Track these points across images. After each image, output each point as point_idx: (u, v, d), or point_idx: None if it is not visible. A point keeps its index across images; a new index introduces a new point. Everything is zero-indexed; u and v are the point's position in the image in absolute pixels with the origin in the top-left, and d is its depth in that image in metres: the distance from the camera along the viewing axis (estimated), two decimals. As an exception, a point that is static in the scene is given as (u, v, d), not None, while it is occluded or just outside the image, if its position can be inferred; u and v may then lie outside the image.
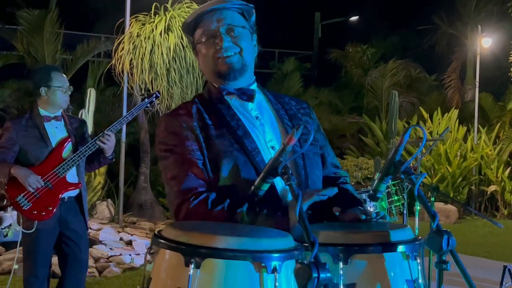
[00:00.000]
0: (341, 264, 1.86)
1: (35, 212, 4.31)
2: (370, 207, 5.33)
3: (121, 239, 8.63)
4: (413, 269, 1.96)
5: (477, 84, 15.33)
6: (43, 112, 4.45)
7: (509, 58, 13.68)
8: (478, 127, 14.69)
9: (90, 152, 4.40)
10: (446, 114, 14.19)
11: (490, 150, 13.96)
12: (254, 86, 2.33)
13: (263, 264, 1.70)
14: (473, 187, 14.03)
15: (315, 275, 1.57)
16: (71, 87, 4.55)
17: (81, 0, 19.89)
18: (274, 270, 1.70)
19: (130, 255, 7.79)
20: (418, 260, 1.97)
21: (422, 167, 13.60)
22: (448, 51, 18.69)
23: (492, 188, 13.62)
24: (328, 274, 1.59)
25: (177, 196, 2.12)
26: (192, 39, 2.33)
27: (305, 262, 1.60)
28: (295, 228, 1.91)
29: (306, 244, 1.79)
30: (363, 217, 2.09)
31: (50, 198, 4.33)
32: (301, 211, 1.69)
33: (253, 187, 1.83)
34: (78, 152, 4.38)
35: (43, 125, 4.41)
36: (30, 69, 12.88)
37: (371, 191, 2.05)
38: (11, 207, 4.46)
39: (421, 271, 1.97)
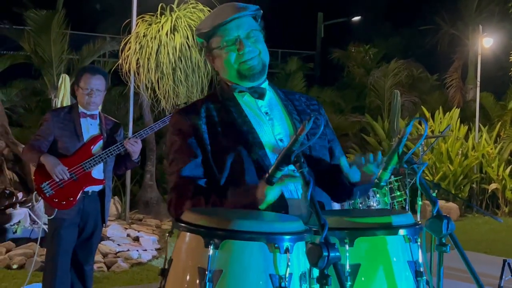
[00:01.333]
0: (347, 247, 2.02)
1: (56, 200, 4.51)
2: (373, 202, 5.48)
3: (128, 235, 8.79)
4: (414, 251, 2.13)
5: (478, 83, 15.46)
6: (80, 108, 4.66)
7: (510, 57, 13.79)
8: (479, 126, 14.81)
9: (118, 152, 4.64)
10: (448, 113, 14.32)
11: (491, 149, 14.08)
12: (265, 84, 2.49)
13: (276, 245, 1.84)
14: (474, 185, 14.15)
15: (325, 254, 1.72)
16: (98, 90, 4.67)
17: (87, 1, 20.04)
18: (287, 250, 1.84)
19: (137, 250, 7.93)
20: (419, 243, 2.14)
21: (424, 166, 13.74)
22: (449, 51, 18.79)
23: (493, 186, 13.75)
24: (337, 253, 1.74)
25: (171, 192, 2.32)
26: (206, 44, 2.47)
27: (316, 243, 1.76)
28: (263, 202, 2.06)
29: (315, 229, 1.97)
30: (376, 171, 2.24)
31: (73, 189, 4.54)
32: (312, 196, 1.84)
33: (267, 175, 1.98)
34: (106, 150, 4.60)
35: (79, 120, 4.63)
36: (37, 69, 13.07)
37: (376, 180, 2.21)
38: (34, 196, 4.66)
39: (422, 253, 2.14)
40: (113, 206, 10.08)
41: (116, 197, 10.43)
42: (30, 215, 7.90)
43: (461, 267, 2.21)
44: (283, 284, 1.83)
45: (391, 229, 2.10)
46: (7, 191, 7.94)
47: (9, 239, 7.65)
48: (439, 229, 2.01)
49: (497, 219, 6.14)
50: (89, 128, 4.66)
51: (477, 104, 15.28)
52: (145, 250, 8.09)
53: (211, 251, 1.83)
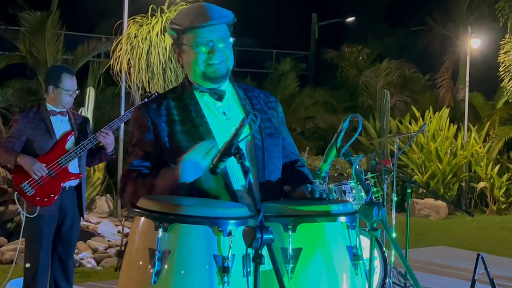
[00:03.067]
0: (290, 232, 2.24)
1: (38, 198, 4.65)
2: (350, 198, 5.66)
3: (119, 232, 8.95)
4: (352, 237, 2.34)
5: (467, 83, 15.64)
6: (49, 107, 4.80)
7: (498, 58, 13.96)
8: (468, 125, 14.98)
9: (91, 146, 4.78)
10: (438, 112, 14.49)
11: (480, 148, 14.23)
12: (226, 84, 2.62)
13: (220, 229, 2.06)
14: (463, 184, 14.32)
15: (259, 235, 1.93)
16: (78, 91, 4.89)
17: (81, 2, 20.19)
18: (229, 233, 2.06)
19: (127, 246, 8.09)
20: (356, 230, 2.35)
21: (413, 164, 13.93)
22: (441, 52, 18.94)
23: (482, 184, 13.91)
24: (270, 236, 1.95)
25: (120, 181, 2.52)
26: (177, 37, 2.56)
27: (252, 226, 1.97)
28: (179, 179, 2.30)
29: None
30: (309, 188, 2.44)
31: (53, 186, 4.69)
32: (250, 183, 2.06)
33: (211, 165, 2.19)
34: (80, 145, 4.75)
35: (49, 118, 4.76)
36: (32, 69, 13.24)
37: (316, 171, 2.42)
38: (16, 195, 4.80)
39: (358, 238, 2.35)
40: (105, 203, 10.25)
41: (108, 195, 10.60)
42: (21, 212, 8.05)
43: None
44: (226, 264, 2.04)
45: (330, 216, 2.31)
46: (0, 188, 8.13)
47: (2, 235, 7.83)
48: (370, 215, 2.21)
49: (470, 215, 6.35)
50: (60, 125, 4.81)
51: (466, 103, 15.43)
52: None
53: (160, 233, 2.04)
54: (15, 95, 14.27)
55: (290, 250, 2.23)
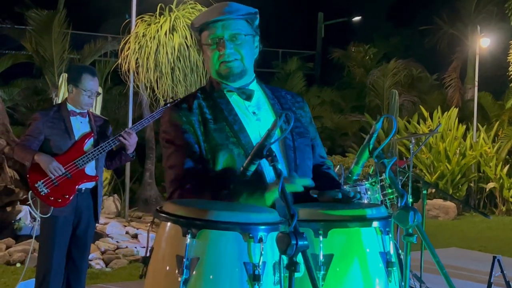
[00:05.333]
0: (321, 238, 2.12)
1: (52, 198, 4.58)
2: (365, 199, 5.57)
3: (127, 232, 8.89)
4: (386, 242, 2.24)
5: (476, 83, 15.55)
6: (70, 107, 4.73)
7: (508, 57, 13.88)
8: (477, 126, 14.89)
9: (109, 148, 4.70)
10: (446, 112, 14.40)
11: (489, 148, 14.15)
12: (253, 84, 2.56)
13: (250, 235, 1.96)
14: (472, 184, 14.24)
15: (293, 242, 1.83)
16: (99, 92, 4.83)
17: (88, 1, 20.16)
18: (260, 240, 1.96)
19: (135, 247, 8.04)
20: (390, 235, 2.25)
21: (422, 165, 13.84)
22: (449, 51, 18.82)
23: (491, 185, 13.83)
24: (305, 242, 1.85)
25: (172, 184, 2.40)
26: (199, 38, 2.55)
27: (286, 232, 1.87)
28: (275, 204, 2.18)
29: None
30: (339, 195, 2.35)
31: (68, 187, 4.62)
32: (283, 187, 1.96)
33: (242, 168, 2.09)
34: (98, 147, 4.67)
35: (69, 118, 4.68)
36: (39, 68, 13.19)
37: (348, 174, 2.33)
38: (30, 194, 4.73)
39: (393, 244, 2.25)
40: (112, 204, 10.19)
41: (115, 195, 10.54)
42: (30, 212, 8.00)
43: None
44: (256, 272, 1.94)
45: (365, 221, 2.20)
46: (8, 189, 8.06)
47: (10, 236, 7.77)
48: (405, 220, 2.11)
49: (487, 217, 6.24)
50: (80, 126, 4.73)
51: (475, 103, 15.36)
52: (144, 247, 8.19)
53: (188, 239, 1.94)
54: (22, 95, 14.24)
55: (321, 257, 2.12)
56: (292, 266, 1.87)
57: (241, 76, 2.50)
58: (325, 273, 2.12)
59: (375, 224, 2.22)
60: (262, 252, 1.96)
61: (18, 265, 7.06)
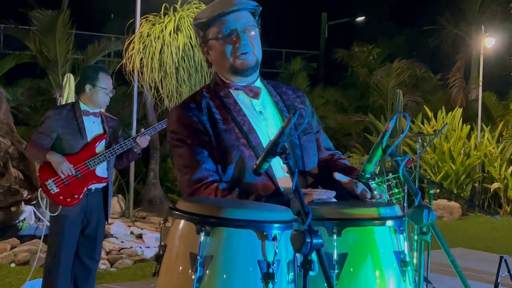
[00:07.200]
0: (335, 236, 2.10)
1: (61, 197, 4.60)
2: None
3: (131, 232, 8.88)
4: (400, 242, 2.22)
5: (481, 83, 15.51)
6: (83, 106, 4.74)
7: (512, 58, 13.88)
8: (481, 126, 14.85)
9: (122, 151, 4.73)
10: (450, 113, 14.36)
11: (494, 148, 14.09)
12: (258, 82, 2.53)
13: (265, 233, 1.94)
14: (476, 185, 14.18)
15: (308, 240, 1.81)
16: (114, 90, 4.87)
17: (92, 1, 20.17)
18: (275, 238, 1.94)
19: (140, 247, 8.03)
20: (404, 234, 2.23)
21: (426, 165, 13.79)
22: (453, 51, 18.77)
23: (495, 185, 13.77)
24: (320, 240, 1.83)
25: (189, 185, 2.34)
26: (203, 34, 2.48)
27: (300, 230, 1.85)
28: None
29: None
30: (360, 187, 2.33)
31: (77, 187, 4.64)
32: (297, 185, 1.94)
33: (255, 166, 2.07)
34: (110, 149, 4.71)
35: (82, 118, 4.70)
36: (43, 68, 13.19)
37: (361, 172, 2.31)
38: (39, 192, 4.74)
39: (407, 244, 2.23)
40: (117, 204, 10.18)
41: (120, 195, 10.53)
42: (34, 212, 8.00)
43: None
44: (270, 270, 1.92)
45: (379, 220, 2.19)
46: (12, 189, 8.05)
47: (14, 236, 7.76)
48: (420, 219, 2.09)
49: (494, 217, 6.23)
50: (92, 126, 4.75)
51: (479, 103, 15.30)
52: (148, 247, 8.18)
53: (202, 237, 1.93)
54: (25, 95, 14.24)
55: (335, 256, 2.10)
56: (306, 265, 1.86)
57: (255, 69, 2.47)
58: (339, 272, 2.10)
59: (389, 223, 2.20)
60: (276, 251, 1.94)
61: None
